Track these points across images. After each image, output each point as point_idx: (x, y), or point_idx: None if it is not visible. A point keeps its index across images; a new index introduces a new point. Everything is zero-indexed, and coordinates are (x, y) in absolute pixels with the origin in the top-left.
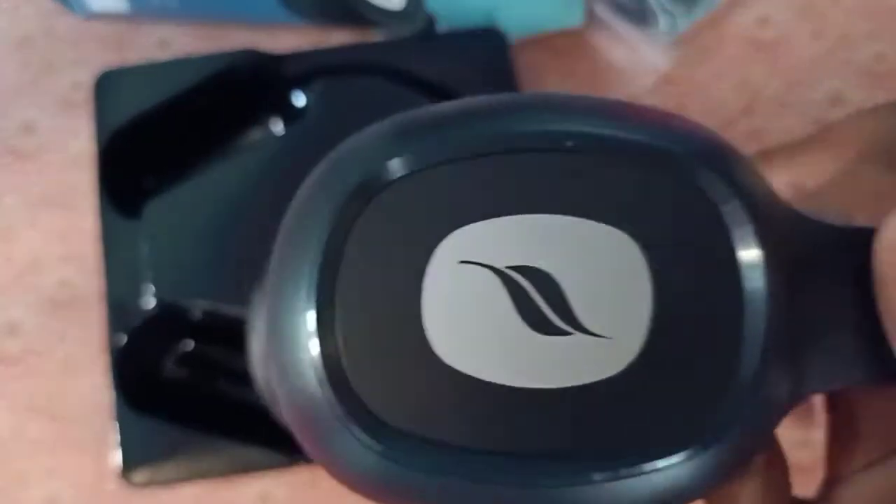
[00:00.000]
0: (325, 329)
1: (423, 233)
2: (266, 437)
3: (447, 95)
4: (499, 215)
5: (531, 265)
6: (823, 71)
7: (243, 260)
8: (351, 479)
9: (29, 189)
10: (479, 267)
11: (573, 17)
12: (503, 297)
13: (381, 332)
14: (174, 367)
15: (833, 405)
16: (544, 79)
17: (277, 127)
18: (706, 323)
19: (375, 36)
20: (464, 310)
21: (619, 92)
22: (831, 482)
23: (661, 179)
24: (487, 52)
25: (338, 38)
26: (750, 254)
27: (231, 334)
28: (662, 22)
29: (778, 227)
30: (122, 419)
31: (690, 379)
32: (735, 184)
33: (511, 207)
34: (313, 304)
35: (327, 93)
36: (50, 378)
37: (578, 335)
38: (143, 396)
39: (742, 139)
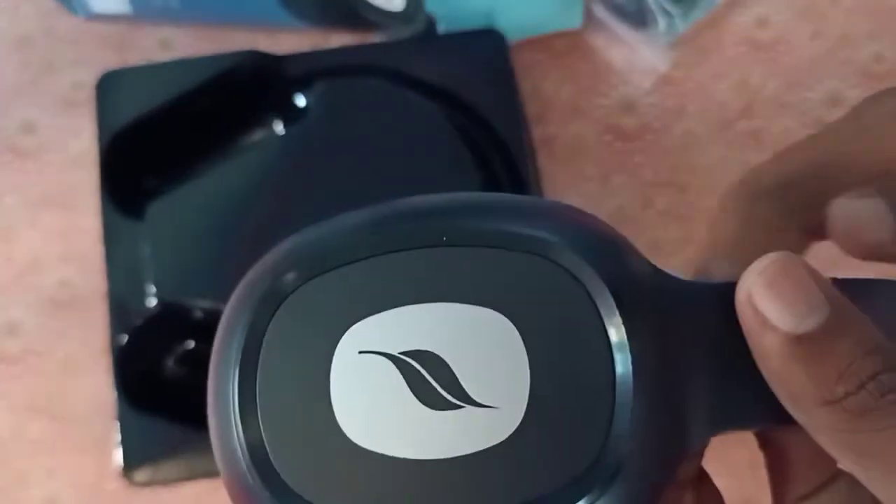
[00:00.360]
0: (249, 426)
1: (326, 330)
2: None
3: (447, 96)
4: (390, 308)
5: (422, 349)
6: (823, 71)
7: (245, 260)
8: None
9: (29, 189)
10: (376, 355)
11: (572, 19)
12: (399, 379)
13: (299, 422)
14: (175, 366)
15: (764, 442)
16: (543, 79)
17: (279, 127)
18: (580, 386)
19: (375, 38)
20: (367, 394)
21: (618, 93)
22: None
23: (531, 264)
24: (487, 53)
25: (338, 40)
26: (614, 322)
27: None
28: (661, 23)
29: (643, 294)
30: (123, 418)
31: (571, 436)
32: (597, 261)
33: (400, 299)
34: (236, 406)
35: (328, 93)
36: (50, 378)
37: (468, 408)
38: (145, 396)
39: (741, 139)
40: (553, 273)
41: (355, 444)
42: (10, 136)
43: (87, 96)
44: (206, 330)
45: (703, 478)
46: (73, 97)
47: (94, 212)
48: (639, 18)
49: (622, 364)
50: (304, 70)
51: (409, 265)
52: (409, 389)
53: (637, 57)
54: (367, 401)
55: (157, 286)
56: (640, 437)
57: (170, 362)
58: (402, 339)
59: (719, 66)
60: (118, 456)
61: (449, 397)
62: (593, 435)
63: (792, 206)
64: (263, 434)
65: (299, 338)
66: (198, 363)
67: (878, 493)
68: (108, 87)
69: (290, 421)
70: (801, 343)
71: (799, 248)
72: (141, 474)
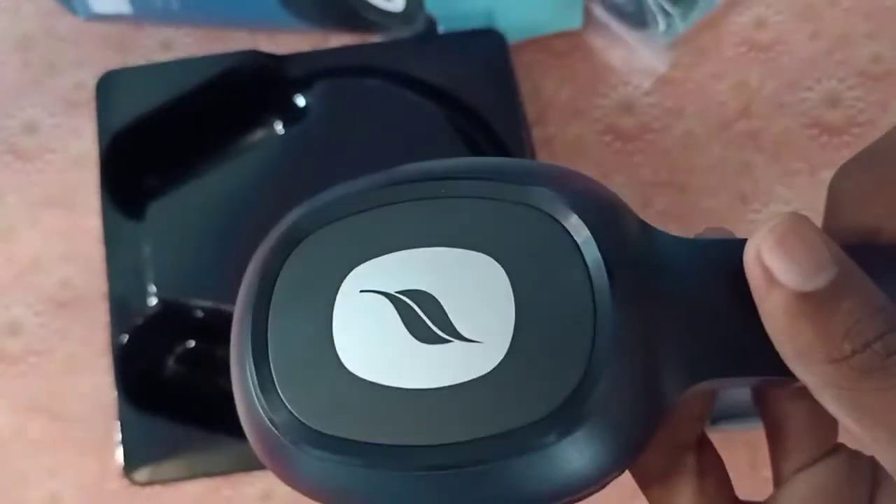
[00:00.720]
0: (259, 361)
1: (330, 272)
2: None
3: (447, 96)
4: (390, 251)
5: (416, 288)
6: (821, 71)
7: (245, 259)
8: (310, 485)
9: (30, 189)
10: (375, 294)
11: (572, 19)
12: (395, 316)
13: (304, 355)
14: (176, 365)
15: (763, 407)
16: (543, 80)
17: (279, 127)
18: (562, 326)
19: (375, 38)
20: (365, 329)
21: (618, 93)
22: (775, 484)
23: (520, 213)
24: (487, 53)
25: (338, 40)
26: (597, 267)
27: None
28: (661, 23)
29: (628, 243)
30: (124, 418)
31: (551, 371)
32: (583, 211)
33: (399, 244)
34: (249, 344)
35: (328, 93)
36: (51, 378)
37: (456, 342)
38: (145, 395)
39: (740, 140)
40: (541, 221)
41: (353, 375)
42: (11, 137)
43: (89, 96)
44: (206, 329)
45: (705, 443)
46: (74, 97)
47: (95, 212)
48: (638, 19)
49: (604, 306)
50: (305, 70)
51: (409, 214)
52: (403, 325)
53: (636, 57)
54: (366, 335)
55: (157, 286)
56: (619, 376)
57: (170, 362)
58: (399, 279)
59: (718, 66)
60: (119, 455)
61: (439, 332)
62: (573, 371)
63: (873, 179)
64: (272, 367)
65: (306, 280)
66: (198, 363)
67: (880, 455)
68: (109, 86)
69: (296, 354)
70: (809, 300)
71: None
72: (141, 474)
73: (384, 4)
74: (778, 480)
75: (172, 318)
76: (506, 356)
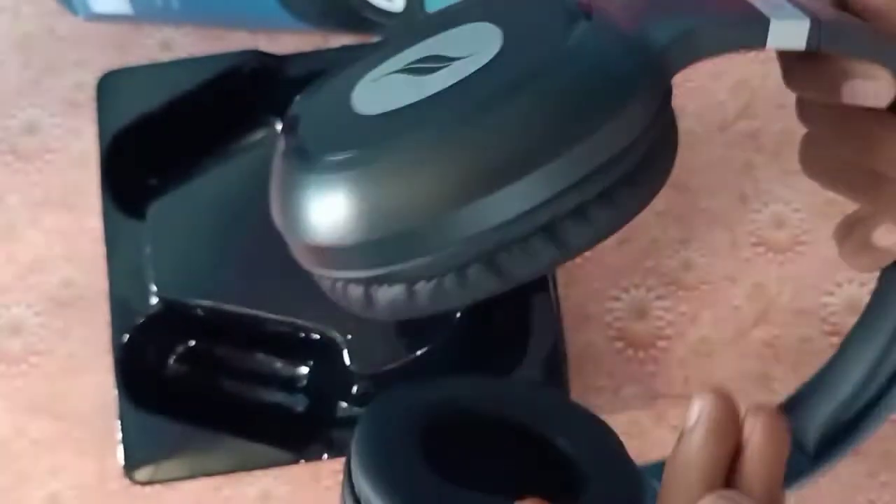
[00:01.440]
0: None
1: (346, 83)
2: (268, 435)
3: None
4: (392, 55)
5: (419, 56)
6: None
7: (245, 260)
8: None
9: (31, 189)
10: (386, 73)
11: None
12: (401, 74)
13: (326, 117)
14: (176, 365)
15: None
16: None
17: (279, 127)
18: (542, 24)
19: (376, 38)
20: (378, 90)
21: None
22: None
23: None
24: None
25: (338, 40)
26: None
27: (233, 332)
28: None
29: None
30: (124, 417)
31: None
32: None
33: (401, 47)
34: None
35: None
36: (52, 377)
37: (454, 63)
38: (146, 394)
39: (740, 140)
40: None
41: (363, 113)
42: (12, 137)
43: (89, 97)
44: (206, 329)
45: None
46: (74, 98)
47: (95, 212)
48: None
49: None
50: (305, 70)
51: (404, 38)
52: (407, 74)
53: None
54: (378, 92)
55: (158, 285)
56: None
57: (171, 361)
58: (404, 60)
59: (718, 65)
60: (119, 455)
61: (439, 65)
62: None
63: None
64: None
65: (327, 94)
66: (199, 362)
67: None
68: (109, 87)
69: (319, 115)
70: None
71: None
72: (142, 473)
73: (384, 4)
74: None
75: (173, 318)
76: (499, 51)
